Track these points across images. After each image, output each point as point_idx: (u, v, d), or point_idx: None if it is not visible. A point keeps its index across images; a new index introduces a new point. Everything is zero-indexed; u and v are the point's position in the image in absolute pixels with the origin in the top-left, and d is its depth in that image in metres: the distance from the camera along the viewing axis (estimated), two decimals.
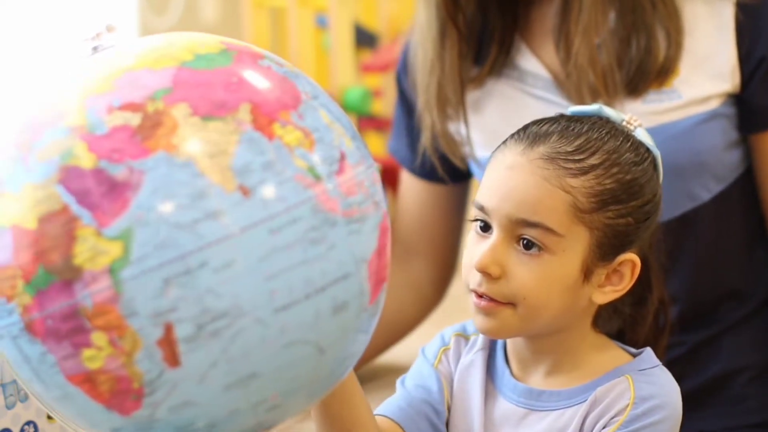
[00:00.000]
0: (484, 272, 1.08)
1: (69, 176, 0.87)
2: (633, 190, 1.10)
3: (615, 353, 1.14)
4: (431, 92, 1.44)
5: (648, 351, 1.14)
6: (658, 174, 1.14)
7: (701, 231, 1.38)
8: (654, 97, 1.35)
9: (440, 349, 1.19)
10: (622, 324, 1.19)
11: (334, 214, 0.91)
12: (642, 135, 1.14)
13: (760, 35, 1.36)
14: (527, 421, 1.12)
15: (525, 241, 1.08)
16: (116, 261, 0.86)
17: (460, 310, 1.35)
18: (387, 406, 1.17)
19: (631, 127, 1.15)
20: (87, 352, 0.87)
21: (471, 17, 1.43)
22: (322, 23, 3.55)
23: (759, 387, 1.40)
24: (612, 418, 1.08)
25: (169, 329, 0.86)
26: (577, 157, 1.09)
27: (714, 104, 1.36)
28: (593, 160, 1.09)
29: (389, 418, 1.15)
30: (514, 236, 1.09)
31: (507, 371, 1.15)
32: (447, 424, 1.17)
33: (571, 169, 1.08)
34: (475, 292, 1.10)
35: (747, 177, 1.40)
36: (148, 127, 0.88)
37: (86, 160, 0.87)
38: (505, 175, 1.10)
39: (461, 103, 1.43)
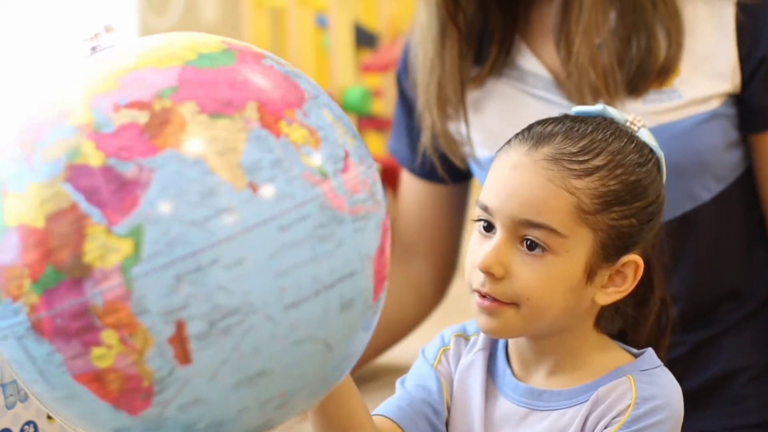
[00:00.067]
0: (488, 272, 1.08)
1: (76, 174, 0.87)
2: (637, 191, 1.10)
3: (617, 354, 1.14)
4: (431, 92, 1.44)
5: (649, 351, 1.14)
6: (661, 175, 1.14)
7: (701, 231, 1.38)
8: (654, 96, 1.35)
9: (440, 349, 1.19)
10: (624, 324, 1.19)
11: (341, 212, 0.92)
12: (646, 136, 1.14)
13: (761, 35, 1.36)
14: (528, 421, 1.12)
15: (528, 242, 1.08)
16: (127, 258, 0.86)
17: (460, 310, 1.35)
18: (386, 406, 1.17)
19: (635, 128, 1.15)
20: (96, 351, 0.87)
21: (471, 17, 1.43)
22: (322, 23, 3.56)
23: (759, 387, 1.40)
24: (614, 418, 1.08)
25: (180, 326, 0.86)
26: (581, 158, 1.09)
27: (714, 104, 1.36)
28: (598, 161, 1.09)
29: (388, 418, 1.15)
30: (517, 237, 1.09)
31: (508, 371, 1.15)
32: (447, 425, 1.17)
33: (575, 170, 1.08)
34: (478, 292, 1.10)
35: (747, 177, 1.40)
36: (156, 125, 0.88)
37: (94, 159, 0.87)
38: (509, 175, 1.10)
39: (461, 103, 1.43)
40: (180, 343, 0.87)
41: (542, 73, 1.41)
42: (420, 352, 1.21)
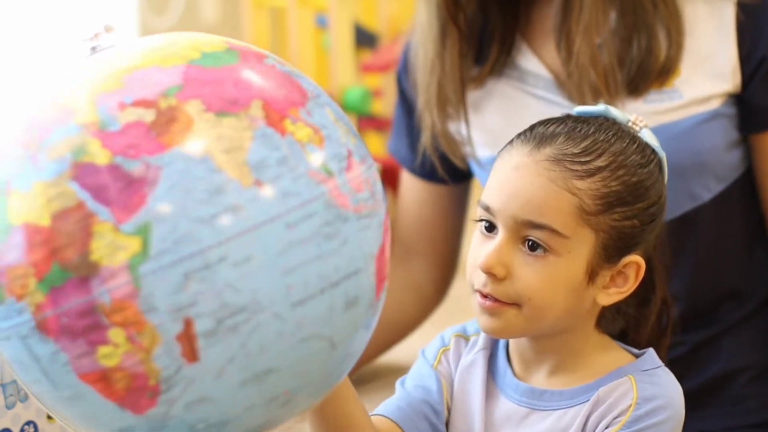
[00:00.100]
0: (489, 273, 1.08)
1: (83, 173, 0.87)
2: (639, 192, 1.10)
3: (618, 354, 1.14)
4: (431, 92, 1.44)
5: (650, 352, 1.14)
6: (663, 175, 1.14)
7: (702, 231, 1.38)
8: (655, 96, 1.35)
9: (440, 349, 1.19)
10: (625, 324, 1.19)
11: (345, 210, 0.92)
12: (648, 136, 1.14)
13: (761, 35, 1.36)
14: (529, 421, 1.12)
15: (530, 243, 1.08)
16: (135, 256, 0.86)
17: (461, 310, 1.35)
18: (386, 406, 1.17)
19: (637, 128, 1.14)
20: (103, 350, 0.87)
21: (472, 17, 1.43)
22: (322, 23, 3.56)
23: (759, 387, 1.40)
24: (615, 418, 1.08)
25: (188, 324, 0.86)
26: (583, 159, 1.09)
27: (715, 104, 1.36)
28: (600, 162, 1.09)
29: (388, 417, 1.15)
30: (519, 237, 1.09)
31: (509, 371, 1.15)
32: (447, 425, 1.17)
33: (577, 171, 1.08)
34: (480, 292, 1.10)
35: (747, 177, 1.40)
36: (163, 123, 0.88)
37: (101, 157, 0.87)
38: (511, 176, 1.10)
39: (462, 103, 1.43)
40: (188, 340, 0.86)
41: (543, 73, 1.41)
42: (420, 353, 1.21)
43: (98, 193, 0.86)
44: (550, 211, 1.07)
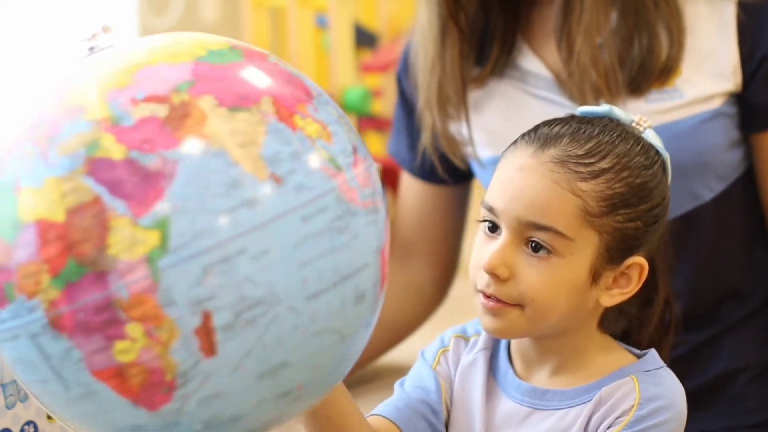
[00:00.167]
0: (493, 274, 1.08)
1: (98, 167, 0.87)
2: (643, 194, 1.10)
3: (620, 354, 1.14)
4: (432, 91, 1.44)
5: (652, 352, 1.14)
6: (667, 177, 1.14)
7: (703, 230, 1.38)
8: (656, 96, 1.35)
9: (439, 350, 1.19)
10: (627, 325, 1.19)
11: (355, 205, 0.93)
12: (651, 137, 1.14)
13: (762, 34, 1.36)
14: (531, 420, 1.12)
15: (534, 244, 1.08)
16: (154, 250, 0.85)
17: (461, 311, 1.35)
18: (384, 406, 1.17)
19: (641, 129, 1.14)
20: (120, 345, 0.87)
21: (473, 16, 1.43)
22: (322, 23, 3.56)
23: (760, 386, 1.40)
24: (617, 418, 1.08)
25: (207, 317, 0.86)
26: (587, 161, 1.09)
27: (716, 103, 1.36)
28: (604, 164, 1.09)
29: (386, 417, 1.15)
30: (522, 238, 1.08)
31: (510, 370, 1.15)
32: (447, 426, 1.17)
33: (581, 172, 1.08)
34: (483, 293, 1.10)
35: (748, 176, 1.40)
36: (177, 118, 0.88)
37: (116, 152, 0.87)
38: (515, 177, 1.10)
39: (463, 103, 1.43)
40: (206, 334, 0.86)
41: (544, 74, 1.40)
42: (419, 354, 1.21)
43: (115, 188, 0.86)
44: (554, 213, 1.07)
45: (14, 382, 1.17)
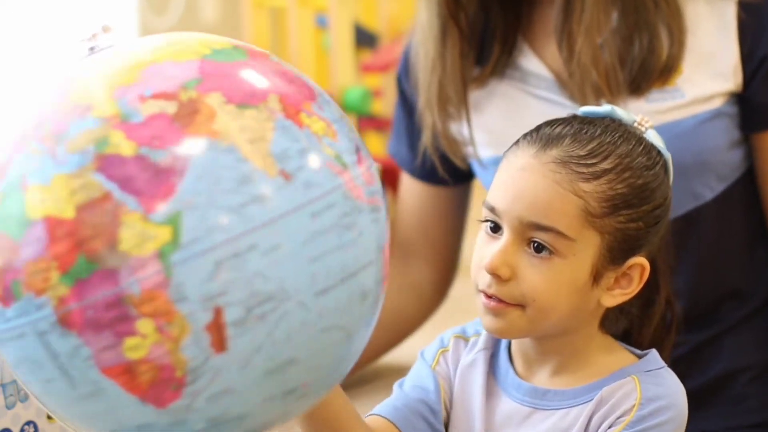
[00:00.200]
0: (494, 274, 1.08)
1: (108, 164, 0.87)
2: (644, 194, 1.10)
3: (621, 354, 1.14)
4: (432, 91, 1.44)
5: (653, 353, 1.14)
6: (668, 177, 1.15)
7: (704, 230, 1.38)
8: (657, 96, 1.35)
9: (438, 350, 1.19)
10: (628, 325, 1.19)
11: (360, 202, 0.93)
12: (653, 137, 1.14)
13: (762, 34, 1.36)
14: (531, 420, 1.12)
15: (535, 244, 1.08)
16: (165, 245, 0.85)
17: (461, 311, 1.35)
18: (382, 406, 1.17)
19: (643, 129, 1.14)
20: (130, 341, 0.87)
21: (473, 16, 1.43)
22: (322, 23, 3.56)
23: (760, 386, 1.40)
24: (618, 418, 1.08)
25: (218, 313, 0.86)
26: (589, 162, 1.09)
27: (717, 103, 1.36)
28: (606, 165, 1.09)
29: (384, 417, 1.15)
30: (524, 239, 1.09)
31: (511, 370, 1.15)
32: (447, 426, 1.17)
33: (583, 173, 1.08)
34: (485, 292, 1.10)
35: (748, 176, 1.40)
36: (186, 115, 0.88)
37: (126, 148, 0.87)
38: (517, 177, 1.10)
39: (463, 103, 1.43)
40: (217, 330, 0.87)
41: (544, 74, 1.40)
42: (419, 354, 1.21)
43: (126, 184, 0.86)
44: (556, 214, 1.07)
45: (14, 382, 1.17)
